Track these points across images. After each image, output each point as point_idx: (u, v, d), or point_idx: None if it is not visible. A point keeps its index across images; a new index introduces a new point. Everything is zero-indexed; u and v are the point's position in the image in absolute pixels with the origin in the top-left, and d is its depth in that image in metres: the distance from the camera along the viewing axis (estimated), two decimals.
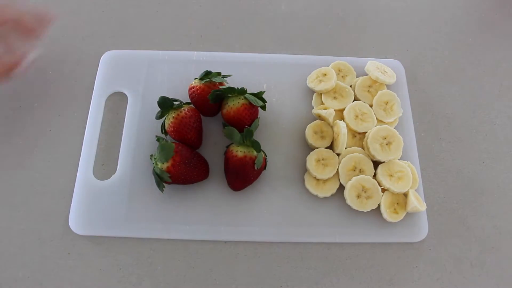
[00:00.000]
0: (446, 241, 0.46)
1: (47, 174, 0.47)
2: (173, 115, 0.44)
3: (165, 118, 0.45)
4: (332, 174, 0.45)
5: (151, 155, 0.43)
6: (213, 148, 0.48)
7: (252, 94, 0.45)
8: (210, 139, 0.48)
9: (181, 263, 0.43)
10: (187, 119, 0.44)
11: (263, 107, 0.46)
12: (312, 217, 0.45)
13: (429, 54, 0.57)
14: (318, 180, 0.45)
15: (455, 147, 0.51)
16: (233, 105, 0.44)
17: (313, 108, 0.50)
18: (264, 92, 0.46)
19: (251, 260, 0.44)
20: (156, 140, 0.44)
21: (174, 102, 0.45)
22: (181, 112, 0.44)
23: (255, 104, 0.45)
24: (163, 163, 0.41)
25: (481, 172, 0.49)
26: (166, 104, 0.44)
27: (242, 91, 0.45)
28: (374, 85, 0.50)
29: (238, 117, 0.44)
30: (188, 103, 0.46)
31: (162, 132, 0.46)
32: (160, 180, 0.42)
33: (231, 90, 0.45)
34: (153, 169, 0.42)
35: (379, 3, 0.61)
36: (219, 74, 0.47)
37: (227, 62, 0.52)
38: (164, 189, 0.43)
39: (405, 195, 0.45)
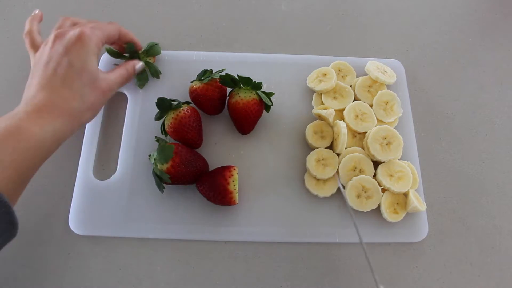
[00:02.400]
0: (446, 241, 0.46)
1: (47, 174, 0.47)
2: (172, 115, 0.44)
3: (165, 119, 0.45)
4: (332, 174, 0.45)
5: (150, 155, 0.43)
6: (213, 148, 0.48)
7: (263, 92, 0.46)
8: (211, 138, 0.48)
9: (181, 263, 0.43)
10: (186, 118, 0.44)
11: (268, 108, 0.47)
12: (312, 217, 0.45)
13: (429, 54, 0.57)
14: (318, 180, 0.45)
15: (455, 147, 0.51)
16: (244, 97, 0.45)
17: (313, 108, 0.50)
18: (274, 94, 0.46)
19: (251, 260, 0.44)
20: (156, 141, 0.43)
21: (173, 102, 0.45)
22: (180, 112, 0.44)
23: (266, 102, 0.45)
24: (163, 164, 0.41)
25: (481, 172, 0.49)
26: (164, 105, 0.44)
27: (257, 86, 0.45)
28: (374, 85, 0.50)
29: (245, 110, 0.45)
30: (187, 103, 0.46)
31: (162, 133, 0.46)
32: (160, 181, 0.42)
33: (248, 81, 0.45)
34: (153, 170, 0.42)
35: (379, 3, 0.61)
36: (220, 71, 0.47)
37: (227, 62, 0.52)
38: (164, 190, 0.43)
39: (405, 195, 0.45)
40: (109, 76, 0.43)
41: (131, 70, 0.47)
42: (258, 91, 0.45)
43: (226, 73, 0.45)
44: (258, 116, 0.46)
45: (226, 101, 0.48)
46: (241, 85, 0.45)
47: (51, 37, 0.41)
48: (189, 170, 0.42)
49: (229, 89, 0.48)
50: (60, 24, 0.45)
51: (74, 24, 0.45)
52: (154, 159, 0.42)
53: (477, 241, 0.46)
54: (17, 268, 0.42)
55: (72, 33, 0.40)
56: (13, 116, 0.35)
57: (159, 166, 0.41)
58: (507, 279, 0.44)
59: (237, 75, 0.45)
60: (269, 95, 0.46)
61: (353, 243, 0.45)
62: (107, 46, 0.50)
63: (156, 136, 0.44)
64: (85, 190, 0.45)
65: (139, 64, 0.48)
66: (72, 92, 0.39)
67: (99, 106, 0.42)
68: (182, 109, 0.44)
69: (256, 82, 0.45)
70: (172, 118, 0.44)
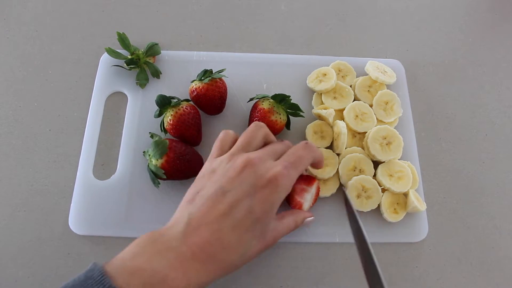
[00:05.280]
0: (446, 241, 0.46)
1: (47, 174, 0.47)
2: (172, 112, 0.44)
3: (164, 116, 0.45)
4: (332, 174, 0.45)
5: (144, 152, 0.43)
6: None
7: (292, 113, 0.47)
8: (211, 138, 0.48)
9: None
10: (185, 115, 0.44)
11: (288, 125, 0.48)
12: None
13: (429, 54, 0.57)
14: (318, 180, 0.45)
15: (455, 147, 0.51)
16: (282, 119, 0.45)
17: (313, 108, 0.50)
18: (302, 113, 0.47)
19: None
20: (150, 137, 0.44)
21: (172, 100, 0.45)
22: (179, 109, 0.44)
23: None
24: (157, 160, 0.41)
25: (481, 172, 0.49)
26: (164, 102, 0.44)
27: (294, 107, 0.46)
28: (374, 85, 0.50)
29: (278, 131, 0.46)
30: (186, 100, 0.46)
31: (161, 130, 0.46)
32: (155, 176, 0.42)
33: (297, 108, 0.46)
34: (148, 165, 0.42)
35: (379, 3, 0.61)
36: (220, 71, 0.47)
37: (227, 62, 0.52)
38: (159, 185, 0.43)
39: (405, 195, 0.45)
40: (277, 227, 0.36)
41: (299, 224, 0.39)
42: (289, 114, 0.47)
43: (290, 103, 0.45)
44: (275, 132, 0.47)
45: (253, 106, 0.47)
46: (279, 102, 0.46)
47: (240, 160, 0.34)
48: (184, 165, 0.42)
49: (251, 91, 0.48)
50: (249, 135, 0.38)
51: (264, 140, 0.38)
52: (149, 155, 0.42)
53: (477, 241, 0.46)
54: (17, 268, 0.42)
55: (265, 170, 0.33)
56: (164, 255, 0.30)
57: (153, 161, 0.41)
58: (507, 279, 0.44)
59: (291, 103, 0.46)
60: (295, 115, 0.47)
61: (353, 243, 0.44)
62: (107, 47, 0.50)
63: (150, 132, 0.44)
64: (85, 190, 0.45)
65: (310, 218, 0.41)
66: (237, 243, 0.32)
67: (254, 258, 0.34)
68: (182, 106, 0.44)
69: (293, 103, 0.46)
70: (171, 115, 0.44)
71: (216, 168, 0.35)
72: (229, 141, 0.39)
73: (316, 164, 0.40)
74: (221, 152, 0.38)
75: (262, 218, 0.32)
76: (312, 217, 0.42)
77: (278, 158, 0.36)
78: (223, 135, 0.39)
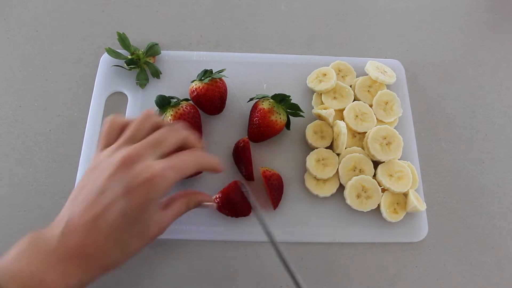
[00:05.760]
0: (446, 241, 0.46)
1: (47, 174, 0.47)
2: (172, 112, 0.44)
3: (164, 116, 0.45)
4: (332, 174, 0.45)
5: None
6: (213, 147, 0.48)
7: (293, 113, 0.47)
8: (211, 138, 0.48)
9: (181, 263, 0.43)
10: (185, 115, 0.44)
11: (287, 126, 0.48)
12: (312, 217, 0.45)
13: (429, 54, 0.57)
14: (318, 180, 0.45)
15: (455, 147, 0.51)
16: (282, 119, 0.45)
17: (313, 108, 0.50)
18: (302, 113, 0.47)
19: (251, 260, 0.44)
20: None
21: (172, 100, 0.45)
22: (179, 109, 0.44)
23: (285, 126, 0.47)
24: None
25: (481, 172, 0.49)
26: (163, 102, 0.45)
27: (294, 107, 0.46)
28: (374, 85, 0.50)
29: (278, 131, 0.46)
30: (186, 100, 0.46)
31: None
32: None
33: (297, 108, 0.46)
34: None
35: (379, 3, 0.61)
36: (220, 71, 0.47)
37: (227, 62, 0.52)
38: None
39: (405, 195, 0.45)
40: (163, 217, 0.35)
41: (192, 206, 0.38)
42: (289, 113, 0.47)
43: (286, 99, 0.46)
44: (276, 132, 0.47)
45: (253, 106, 0.47)
46: (279, 102, 0.46)
47: (117, 157, 0.32)
48: None
49: (251, 91, 0.48)
50: (136, 126, 0.35)
51: (153, 130, 0.36)
52: None
53: (477, 241, 0.46)
54: None
55: (142, 168, 0.31)
56: (42, 257, 0.29)
57: None
58: (507, 279, 0.44)
59: (291, 101, 0.46)
60: (295, 115, 0.47)
61: (353, 243, 0.45)
62: (107, 47, 0.50)
63: None
64: None
65: (209, 203, 0.40)
66: (114, 244, 0.31)
67: (139, 250, 0.34)
68: (181, 106, 0.45)
69: (293, 103, 0.46)
70: (171, 115, 0.44)
71: (99, 164, 0.33)
72: (115, 131, 0.36)
73: (212, 170, 0.38)
74: (107, 143, 0.35)
75: (138, 218, 0.32)
76: (212, 203, 0.40)
77: (164, 150, 0.34)
78: (108, 126, 0.36)
